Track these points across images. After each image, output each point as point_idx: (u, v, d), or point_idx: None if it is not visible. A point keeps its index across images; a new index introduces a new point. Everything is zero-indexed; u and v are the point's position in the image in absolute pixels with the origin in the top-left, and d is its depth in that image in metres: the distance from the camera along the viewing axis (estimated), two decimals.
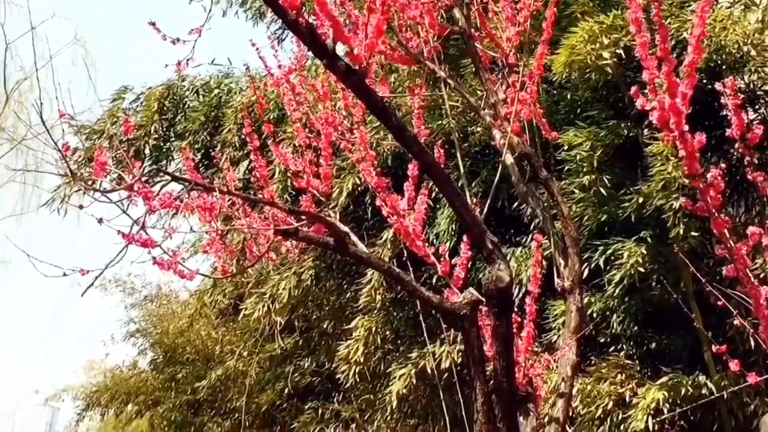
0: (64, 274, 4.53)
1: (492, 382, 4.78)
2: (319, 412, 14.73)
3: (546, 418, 5.65)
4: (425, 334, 9.54)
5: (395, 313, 11.12)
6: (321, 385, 15.18)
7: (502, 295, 4.69)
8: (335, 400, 14.41)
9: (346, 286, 12.29)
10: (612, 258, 8.35)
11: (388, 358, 11.33)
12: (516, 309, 5.80)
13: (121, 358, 34.11)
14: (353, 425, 13.97)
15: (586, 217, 8.60)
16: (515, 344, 5.22)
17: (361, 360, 10.90)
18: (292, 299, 11.88)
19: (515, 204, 9.51)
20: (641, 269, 8.06)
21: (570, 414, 7.68)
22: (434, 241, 9.43)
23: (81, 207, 5.29)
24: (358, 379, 11.31)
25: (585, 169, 8.61)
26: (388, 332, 11.13)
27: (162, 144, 13.88)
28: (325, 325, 13.33)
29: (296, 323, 14.30)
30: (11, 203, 26.29)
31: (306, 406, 15.13)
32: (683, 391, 7.63)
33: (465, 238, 5.55)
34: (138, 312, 20.01)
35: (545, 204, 6.81)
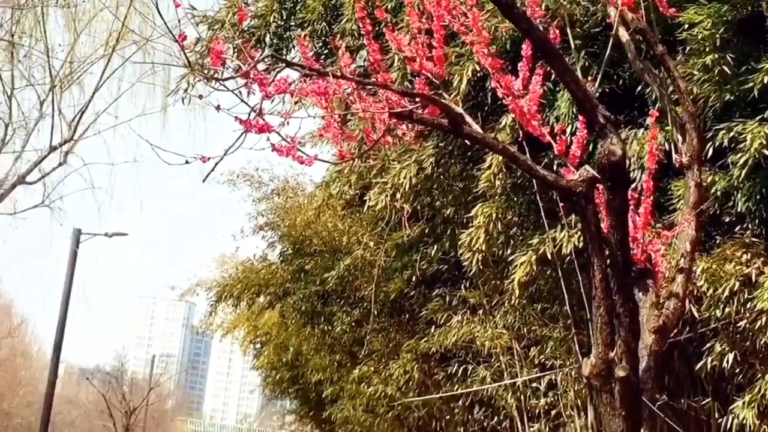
0: (187, 162, 4.71)
1: (608, 256, 4.80)
2: (447, 299, 14.95)
3: (666, 294, 5.63)
4: (545, 219, 9.54)
5: (515, 199, 11.13)
6: (448, 273, 15.34)
7: (614, 169, 4.68)
8: (462, 286, 14.55)
9: (467, 172, 12.29)
10: (736, 139, 8.17)
11: (511, 244, 11.38)
12: (636, 188, 5.76)
13: (252, 251, 35.00)
14: (480, 311, 14.14)
15: (708, 98, 8.39)
16: (633, 220, 5.20)
17: (483, 248, 10.95)
18: (414, 188, 11.96)
19: (638, 87, 9.33)
20: (765, 151, 7.88)
21: (693, 292, 7.65)
22: (554, 124, 9.34)
23: (200, 97, 5.42)
24: (482, 267, 11.38)
25: (707, 49, 8.37)
26: (509, 217, 11.15)
27: (282, 33, 13.96)
28: (448, 212, 13.41)
29: (420, 212, 14.43)
30: (141, 103, 27.00)
31: (433, 294, 15.36)
32: None
33: (581, 117, 5.52)
34: (266, 205, 20.45)
35: (662, 81, 6.68)
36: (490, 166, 10.74)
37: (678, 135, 5.99)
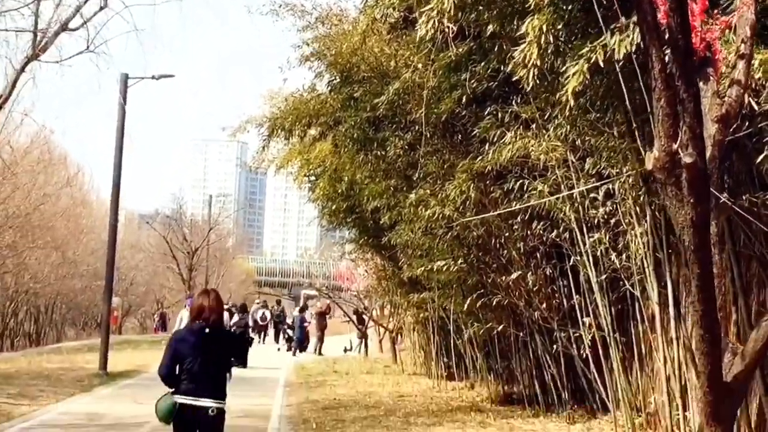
0: None
1: (668, 41, 4.66)
2: (498, 115, 14.85)
3: (727, 82, 5.49)
4: (596, 26, 9.30)
5: (564, 7, 10.86)
6: (498, 89, 15.21)
7: None
8: (513, 102, 14.42)
9: None
10: None
11: (562, 54, 11.17)
12: None
13: (300, 83, 34.81)
14: (533, 126, 14.04)
15: None
16: (689, 8, 5.04)
17: (538, 63, 10.71)
18: (458, 6, 11.67)
19: None
20: None
21: (751, 84, 7.46)
22: None
23: None
24: (537, 81, 11.19)
25: None
26: (559, 28, 10.90)
27: None
28: (494, 28, 13.13)
29: (467, 29, 14.19)
30: None
31: (485, 112, 15.26)
32: None
33: None
34: (310, 35, 20.20)
35: None
36: None
37: None
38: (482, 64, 14.64)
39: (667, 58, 4.62)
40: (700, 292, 4.71)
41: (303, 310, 45.68)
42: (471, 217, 15.93)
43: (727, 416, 5.26)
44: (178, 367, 9.23)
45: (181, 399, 9.12)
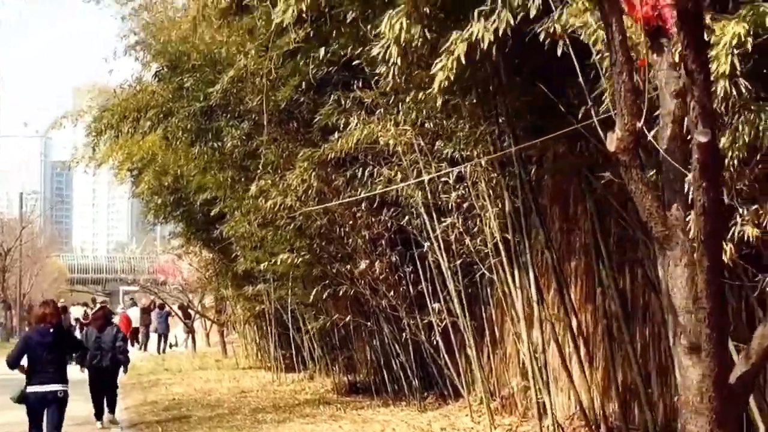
0: None
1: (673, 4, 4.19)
2: (341, 101, 14.47)
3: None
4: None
5: None
6: (338, 75, 14.82)
7: None
8: (355, 87, 14.03)
9: None
10: None
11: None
12: None
13: (125, 75, 33.52)
14: (379, 111, 13.70)
15: None
16: None
17: (399, 62, 9.88)
18: None
19: None
20: None
21: None
22: None
23: None
24: (398, 79, 10.42)
25: None
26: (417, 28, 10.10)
27: None
28: (334, 12, 12.63)
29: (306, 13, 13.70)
30: None
31: (326, 98, 14.86)
32: None
33: None
34: (135, 23, 19.30)
35: None
36: None
37: None
38: (322, 49, 14.20)
39: (631, 28, 4.29)
40: (707, 287, 4.38)
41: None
42: (314, 206, 15.55)
43: (733, 421, 5.00)
44: (29, 362, 12.38)
45: (35, 388, 12.28)
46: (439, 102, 9.68)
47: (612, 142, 4.56)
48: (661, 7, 4.69)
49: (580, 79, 7.07)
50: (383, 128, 13.40)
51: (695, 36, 4.16)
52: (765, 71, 6.09)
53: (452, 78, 8.52)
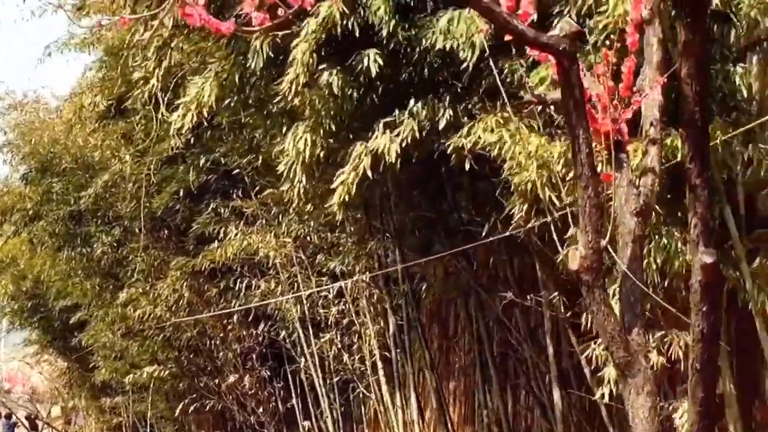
0: None
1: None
2: (219, 211, 14.21)
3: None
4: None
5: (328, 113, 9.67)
6: (217, 183, 14.60)
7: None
8: (234, 196, 13.79)
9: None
10: None
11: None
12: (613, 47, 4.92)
13: None
14: (258, 222, 13.48)
15: None
16: (605, 85, 4.51)
17: (304, 179, 9.56)
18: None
19: None
20: None
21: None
22: None
23: None
24: (298, 200, 10.01)
25: None
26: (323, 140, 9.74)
27: None
28: (217, 120, 12.35)
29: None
30: None
31: (203, 206, 14.58)
32: None
33: None
34: (3, 122, 18.67)
35: None
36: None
37: None
38: (203, 156, 13.98)
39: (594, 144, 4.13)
40: (699, 421, 4.12)
41: None
42: (184, 317, 15.12)
43: None
44: None
45: None
46: (339, 216, 9.24)
47: (574, 260, 4.36)
48: (621, 120, 4.60)
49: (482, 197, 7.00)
50: (263, 240, 13.16)
51: (700, 150, 4.05)
52: (669, 196, 6.11)
53: (352, 192, 8.26)
